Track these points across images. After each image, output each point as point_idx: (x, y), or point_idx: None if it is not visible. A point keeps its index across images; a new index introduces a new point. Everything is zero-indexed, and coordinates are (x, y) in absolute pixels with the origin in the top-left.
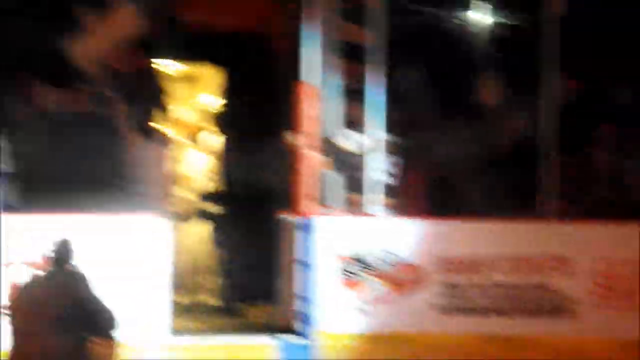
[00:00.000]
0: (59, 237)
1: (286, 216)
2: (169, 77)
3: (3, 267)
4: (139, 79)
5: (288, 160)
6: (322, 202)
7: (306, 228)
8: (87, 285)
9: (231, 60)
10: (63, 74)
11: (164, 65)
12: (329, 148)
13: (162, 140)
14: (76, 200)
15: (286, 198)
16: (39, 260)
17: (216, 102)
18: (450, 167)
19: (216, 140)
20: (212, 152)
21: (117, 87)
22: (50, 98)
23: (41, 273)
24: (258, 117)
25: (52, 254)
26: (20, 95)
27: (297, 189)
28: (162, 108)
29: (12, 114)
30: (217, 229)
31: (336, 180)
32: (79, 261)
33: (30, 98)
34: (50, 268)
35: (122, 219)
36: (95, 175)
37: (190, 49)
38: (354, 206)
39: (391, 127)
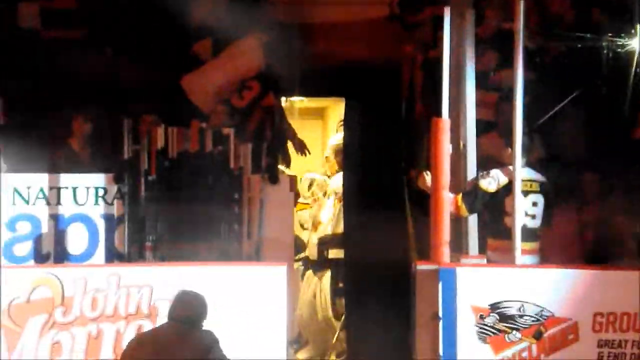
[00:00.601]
0: (191, 294)
1: (420, 265)
2: (295, 114)
3: None
4: (263, 116)
5: (422, 203)
6: (461, 249)
7: (443, 278)
8: (220, 349)
9: (360, 94)
10: (181, 112)
11: (290, 101)
12: (469, 189)
13: (286, 181)
14: (192, 249)
15: (421, 244)
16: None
17: (344, 139)
18: (607, 208)
19: (342, 180)
20: (338, 193)
21: (238, 124)
22: (167, 136)
23: (170, 329)
24: (389, 155)
25: (185, 312)
26: (138, 133)
27: (433, 235)
28: (287, 147)
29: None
30: (343, 278)
31: (476, 225)
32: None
33: (148, 136)
34: (182, 326)
35: (241, 270)
36: (213, 221)
37: (317, 83)
38: (496, 253)
39: (539, 165)
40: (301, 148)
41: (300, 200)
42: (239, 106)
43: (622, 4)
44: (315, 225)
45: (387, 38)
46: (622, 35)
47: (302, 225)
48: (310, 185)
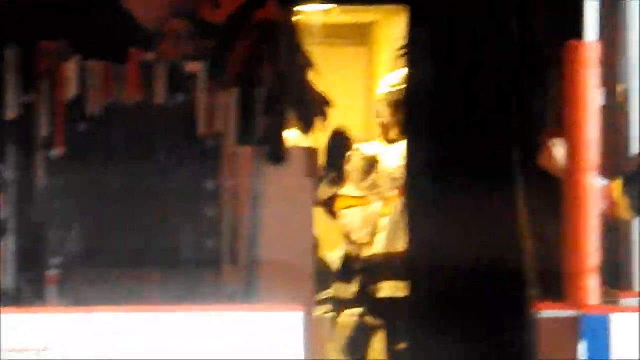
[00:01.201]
0: None
1: (546, 309)
2: (319, 35)
3: None
4: (257, 40)
5: (549, 193)
6: (620, 281)
7: (589, 329)
8: None
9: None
10: (109, 35)
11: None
12: (635, 171)
13: (301, 159)
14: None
15: (542, 275)
16: None
17: (408, 81)
18: None
19: (405, 156)
20: (397, 180)
21: (213, 54)
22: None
23: None
24: (491, 110)
25: None
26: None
27: (570, 255)
28: (306, 96)
29: None
30: (407, 334)
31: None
32: None
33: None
34: None
35: (221, 318)
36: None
37: None
38: None
39: None
40: (319, 106)
41: (348, 191)
42: (215, 21)
43: None
44: (369, 238)
45: None
46: None
47: (349, 238)
48: (369, 167)
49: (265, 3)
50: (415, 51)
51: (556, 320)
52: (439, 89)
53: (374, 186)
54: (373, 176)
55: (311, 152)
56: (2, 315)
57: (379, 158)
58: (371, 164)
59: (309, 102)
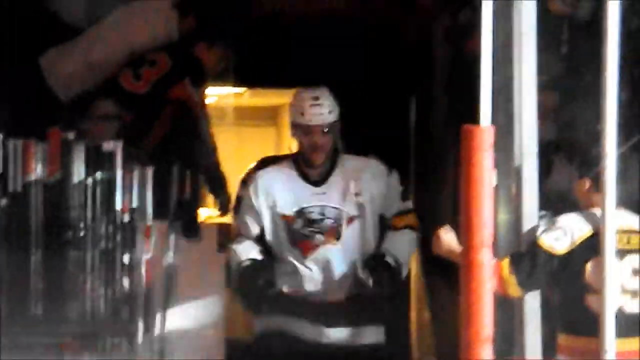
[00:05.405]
0: None
1: None
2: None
3: None
4: (175, 115)
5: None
6: (512, 349)
7: None
8: None
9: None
10: (32, 112)
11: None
12: (524, 249)
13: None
14: None
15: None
16: None
17: None
18: None
19: None
20: None
21: (131, 128)
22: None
23: None
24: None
25: None
26: None
27: (464, 327)
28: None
29: None
30: None
31: (536, 311)
32: None
33: None
34: None
35: None
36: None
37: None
38: (573, 357)
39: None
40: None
41: None
42: (135, 92)
43: None
44: None
45: None
46: None
47: None
48: None
49: (179, 81)
50: None
51: None
52: None
53: None
54: None
55: (221, 228)
56: None
57: None
58: None
59: (220, 181)
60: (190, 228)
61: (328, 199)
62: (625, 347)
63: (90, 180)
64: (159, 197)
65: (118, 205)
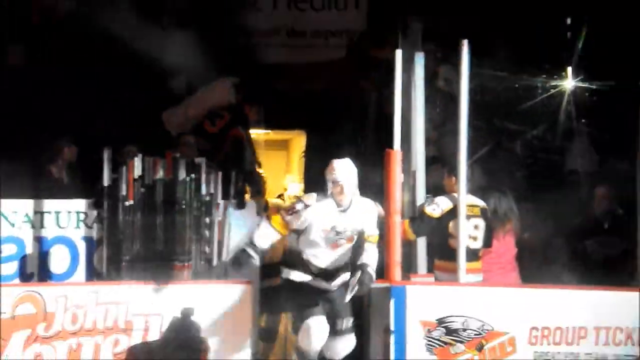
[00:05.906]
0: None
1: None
2: (262, 145)
3: None
4: (232, 144)
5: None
6: (411, 268)
7: (395, 295)
8: None
9: (319, 124)
10: (157, 143)
11: (258, 134)
12: (417, 214)
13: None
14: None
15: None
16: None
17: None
18: (542, 233)
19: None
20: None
21: (209, 150)
22: (144, 165)
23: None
24: None
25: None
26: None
27: (386, 255)
28: (256, 174)
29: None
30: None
31: (425, 247)
32: None
33: (126, 165)
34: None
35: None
36: (185, 243)
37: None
38: (443, 272)
39: (478, 192)
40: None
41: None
42: (211, 131)
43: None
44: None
45: (345, 77)
46: (555, 76)
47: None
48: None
49: (236, 126)
50: (309, 154)
51: (379, 289)
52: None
53: None
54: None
55: (259, 203)
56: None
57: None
58: None
59: (258, 181)
60: (240, 204)
61: (348, 221)
62: (470, 267)
63: (188, 179)
64: (224, 189)
65: (203, 192)
